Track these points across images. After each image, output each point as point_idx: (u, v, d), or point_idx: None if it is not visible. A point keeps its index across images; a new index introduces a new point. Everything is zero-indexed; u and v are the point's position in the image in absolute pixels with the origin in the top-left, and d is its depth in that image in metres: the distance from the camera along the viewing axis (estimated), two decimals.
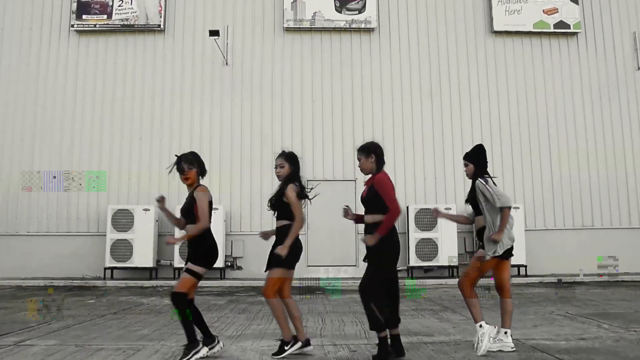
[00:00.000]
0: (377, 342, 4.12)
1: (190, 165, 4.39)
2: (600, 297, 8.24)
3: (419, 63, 12.78)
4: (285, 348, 4.29)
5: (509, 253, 4.38)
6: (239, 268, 12.02)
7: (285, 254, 4.17)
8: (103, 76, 12.70)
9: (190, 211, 4.33)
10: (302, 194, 4.42)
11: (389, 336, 4.11)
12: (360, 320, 6.07)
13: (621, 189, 12.32)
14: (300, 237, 4.36)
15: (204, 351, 4.18)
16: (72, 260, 11.89)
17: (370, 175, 4.40)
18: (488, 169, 4.64)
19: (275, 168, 4.53)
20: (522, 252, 11.19)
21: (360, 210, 4.51)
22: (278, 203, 4.44)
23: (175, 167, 4.48)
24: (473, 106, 12.61)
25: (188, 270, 4.22)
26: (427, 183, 12.25)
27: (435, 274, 11.67)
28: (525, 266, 11.34)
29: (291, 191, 4.35)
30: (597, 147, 12.49)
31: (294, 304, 4.45)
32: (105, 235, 11.58)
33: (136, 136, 12.51)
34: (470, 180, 4.62)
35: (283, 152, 4.59)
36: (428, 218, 11.40)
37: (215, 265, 12.35)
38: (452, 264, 11.36)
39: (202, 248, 4.28)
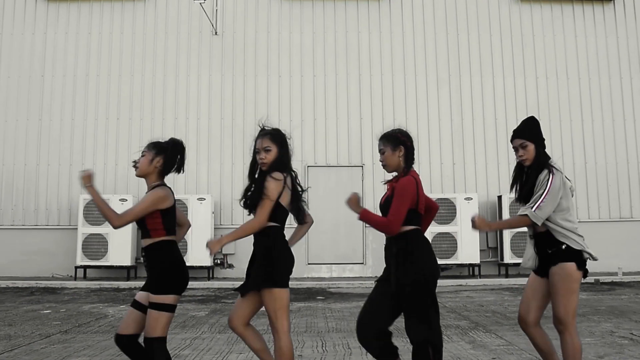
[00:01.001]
0: None
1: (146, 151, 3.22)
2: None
3: (434, 34, 11.83)
4: None
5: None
6: (230, 266, 10.90)
7: (217, 249, 2.95)
8: (75, 48, 11.69)
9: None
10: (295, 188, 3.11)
11: None
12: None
13: None
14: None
15: None
16: (40, 258, 11.04)
17: (394, 174, 3.14)
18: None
19: (258, 153, 3.08)
20: None
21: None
22: (257, 200, 3.04)
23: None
24: (496, 82, 11.70)
25: (155, 305, 2.95)
26: (444, 169, 11.35)
27: (453, 273, 10.56)
28: None
29: (272, 182, 2.97)
30: (637, 127, 11.46)
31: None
32: (76, 229, 10.54)
33: (113, 115, 11.48)
34: (527, 166, 3.24)
35: (266, 130, 3.16)
36: (446, 209, 10.26)
37: (202, 265, 11.06)
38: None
39: (161, 270, 3.03)
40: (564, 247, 2.99)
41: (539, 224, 3.00)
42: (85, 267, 10.38)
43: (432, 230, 10.22)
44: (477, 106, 11.53)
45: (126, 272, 10.43)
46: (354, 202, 3.10)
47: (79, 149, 11.32)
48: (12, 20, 11.63)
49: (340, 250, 11.12)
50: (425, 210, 3.10)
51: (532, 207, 2.97)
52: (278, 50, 11.72)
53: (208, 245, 2.88)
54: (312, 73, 11.67)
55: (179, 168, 3.20)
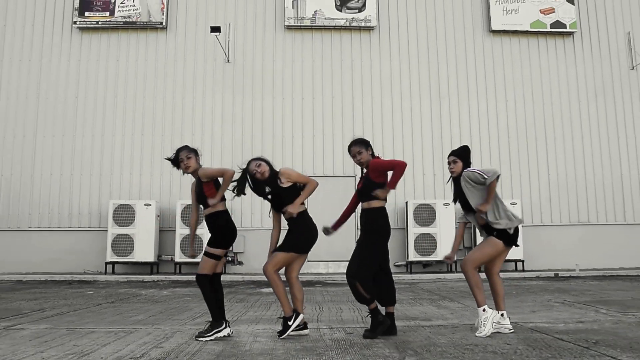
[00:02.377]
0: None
1: (188, 154, 4.47)
2: (597, 288, 8.35)
3: (418, 61, 12.89)
4: (289, 323, 4.33)
5: (515, 241, 4.48)
6: (240, 263, 12.05)
7: (295, 212, 4.33)
8: (105, 73, 12.72)
9: (203, 194, 4.42)
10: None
11: (379, 308, 4.35)
12: (357, 308, 6.12)
13: (616, 186, 12.46)
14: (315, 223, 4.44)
15: (226, 332, 4.32)
16: (73, 256, 11.91)
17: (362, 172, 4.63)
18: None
19: (259, 167, 4.50)
20: (520, 248, 11.29)
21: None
22: (276, 196, 4.50)
23: (174, 163, 4.55)
24: (471, 104, 12.72)
25: (206, 253, 4.37)
26: (425, 179, 12.34)
27: (434, 269, 11.79)
28: (523, 261, 11.46)
29: (287, 170, 4.51)
30: (593, 145, 12.62)
31: (299, 286, 4.50)
32: (106, 230, 11.60)
33: (138, 132, 12.52)
34: (453, 179, 4.62)
35: (259, 157, 4.67)
36: (427, 213, 11.51)
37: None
38: None
39: (215, 230, 4.41)
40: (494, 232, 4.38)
41: (499, 173, 4.41)
42: (114, 263, 11.47)
43: (415, 231, 11.50)
44: (455, 124, 12.51)
45: (149, 268, 11.58)
46: (381, 193, 4.38)
47: (108, 161, 12.33)
48: (50, 49, 12.73)
49: (335, 249, 11.67)
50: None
51: (487, 180, 4.30)
52: (282, 76, 12.69)
53: (288, 210, 4.29)
54: (311, 95, 12.63)
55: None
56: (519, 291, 7.84)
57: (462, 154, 4.66)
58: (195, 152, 4.52)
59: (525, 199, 12.27)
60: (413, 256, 11.46)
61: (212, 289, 4.40)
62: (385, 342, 4.11)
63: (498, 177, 4.38)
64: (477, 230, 4.70)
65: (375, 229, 4.42)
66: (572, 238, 12.09)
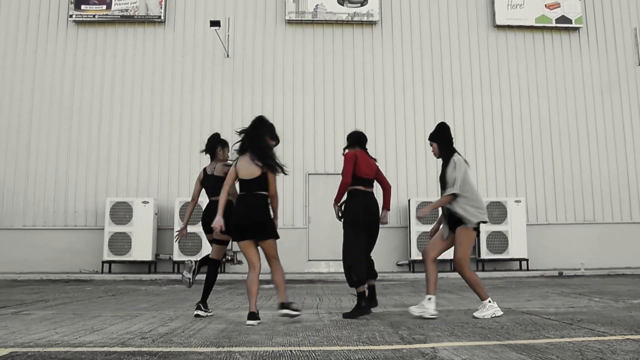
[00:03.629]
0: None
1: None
2: (597, 283, 8.82)
3: (421, 57, 13.29)
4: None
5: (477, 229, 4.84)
6: (239, 262, 12.36)
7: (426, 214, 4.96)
8: (102, 68, 13.10)
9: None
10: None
11: (366, 291, 4.95)
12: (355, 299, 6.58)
13: (622, 184, 12.88)
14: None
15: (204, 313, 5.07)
16: (68, 255, 12.23)
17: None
18: (461, 153, 5.00)
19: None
20: (524, 247, 11.77)
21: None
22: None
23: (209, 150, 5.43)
24: (475, 100, 13.12)
25: (216, 241, 5.17)
26: (428, 176, 12.66)
27: (438, 268, 12.16)
28: (527, 260, 11.88)
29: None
30: (599, 142, 13.04)
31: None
32: (103, 229, 11.92)
33: (135, 128, 12.91)
34: (440, 158, 5.00)
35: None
36: (433, 212, 11.86)
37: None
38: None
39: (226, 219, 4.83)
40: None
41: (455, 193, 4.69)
42: (110, 262, 11.80)
43: (417, 230, 11.87)
44: (459, 120, 12.84)
45: (147, 267, 11.96)
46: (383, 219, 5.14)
47: (104, 157, 12.67)
48: (46, 42, 13.12)
49: (336, 248, 12.20)
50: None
51: (449, 190, 4.71)
52: (282, 70, 13.06)
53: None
54: (312, 90, 12.98)
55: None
56: (519, 285, 8.30)
57: (436, 136, 5.04)
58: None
59: (530, 196, 12.70)
60: (416, 255, 11.83)
61: (214, 274, 4.99)
62: (380, 321, 4.57)
63: (452, 195, 4.70)
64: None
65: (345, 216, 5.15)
66: (577, 237, 12.51)
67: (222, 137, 5.59)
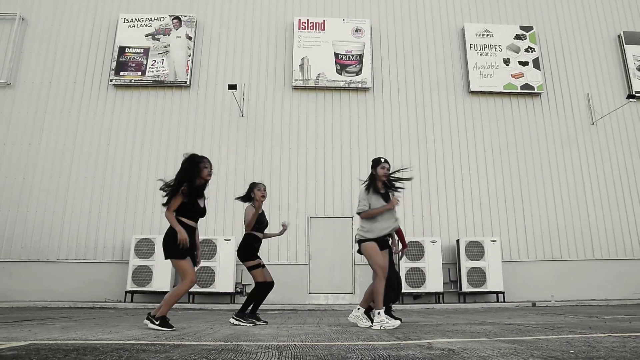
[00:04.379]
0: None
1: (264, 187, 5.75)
2: (568, 310, 8.43)
3: (407, 117, 13.49)
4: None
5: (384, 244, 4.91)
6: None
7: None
8: (135, 124, 13.30)
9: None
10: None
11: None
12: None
13: (584, 225, 12.76)
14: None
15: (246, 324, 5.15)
16: (95, 285, 12.00)
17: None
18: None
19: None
20: (500, 280, 11.44)
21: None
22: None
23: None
24: (454, 154, 13.22)
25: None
26: (415, 219, 12.60)
27: (423, 300, 11.78)
28: (503, 292, 11.53)
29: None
30: (562, 189, 13.04)
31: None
32: (127, 262, 11.75)
33: (161, 175, 12.74)
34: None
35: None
36: (416, 250, 11.65)
37: (225, 291, 12.25)
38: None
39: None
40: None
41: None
42: (133, 292, 11.50)
43: (405, 266, 11.65)
44: (440, 171, 12.94)
45: None
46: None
47: (132, 201, 12.61)
48: (89, 102, 13.36)
49: (334, 282, 12.05)
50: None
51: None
52: (289, 128, 13.24)
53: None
54: (314, 145, 13.11)
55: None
56: (499, 311, 7.95)
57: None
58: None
59: (504, 237, 12.49)
60: (405, 288, 11.48)
61: (260, 293, 5.30)
62: (377, 330, 4.28)
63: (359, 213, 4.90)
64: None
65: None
66: (547, 272, 12.29)
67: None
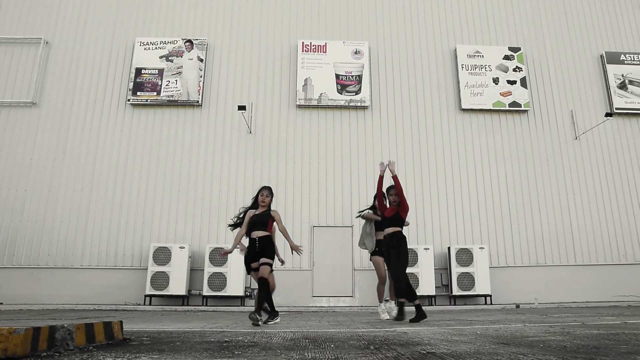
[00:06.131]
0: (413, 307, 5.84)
1: (268, 193, 6.09)
2: (550, 312, 9.40)
3: (403, 133, 14.30)
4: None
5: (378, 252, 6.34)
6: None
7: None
8: (151, 141, 14.18)
9: (265, 223, 5.88)
10: None
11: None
12: (351, 319, 7.30)
13: (567, 233, 13.60)
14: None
15: (278, 319, 5.83)
16: (116, 290, 12.84)
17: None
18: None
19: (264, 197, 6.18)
20: (488, 285, 12.40)
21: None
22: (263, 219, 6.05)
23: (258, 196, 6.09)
24: (446, 167, 14.02)
25: (266, 263, 5.77)
26: (409, 228, 13.32)
27: None
28: (490, 296, 12.48)
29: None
30: (547, 199, 13.88)
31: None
32: (146, 269, 12.63)
33: (175, 188, 13.84)
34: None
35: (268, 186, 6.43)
36: (411, 256, 12.58)
37: (235, 294, 13.24)
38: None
39: (269, 248, 5.92)
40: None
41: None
42: (151, 296, 12.42)
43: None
44: (433, 183, 13.74)
45: (181, 300, 12.59)
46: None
47: (149, 212, 13.52)
48: (107, 120, 14.32)
49: (336, 287, 12.87)
50: None
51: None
52: (294, 144, 14.02)
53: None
54: (317, 160, 13.85)
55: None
56: (485, 313, 8.95)
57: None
58: (272, 194, 6.12)
59: (492, 243, 13.44)
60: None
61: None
62: (366, 322, 5.35)
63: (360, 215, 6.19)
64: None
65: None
66: (531, 277, 13.10)
67: (245, 195, 6.67)
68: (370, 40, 15.10)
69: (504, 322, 5.01)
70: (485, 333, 3.53)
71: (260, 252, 5.70)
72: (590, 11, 15.61)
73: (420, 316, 5.66)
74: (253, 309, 12.22)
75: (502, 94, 14.50)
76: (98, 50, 15.02)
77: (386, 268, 6.20)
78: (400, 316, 5.77)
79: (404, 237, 5.93)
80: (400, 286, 5.65)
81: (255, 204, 6.13)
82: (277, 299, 12.01)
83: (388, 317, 5.98)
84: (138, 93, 14.40)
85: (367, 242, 6.59)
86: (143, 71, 14.60)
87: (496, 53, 14.86)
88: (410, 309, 5.85)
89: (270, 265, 5.74)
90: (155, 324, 5.54)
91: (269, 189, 6.12)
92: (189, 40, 14.91)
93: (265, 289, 5.54)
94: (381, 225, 6.14)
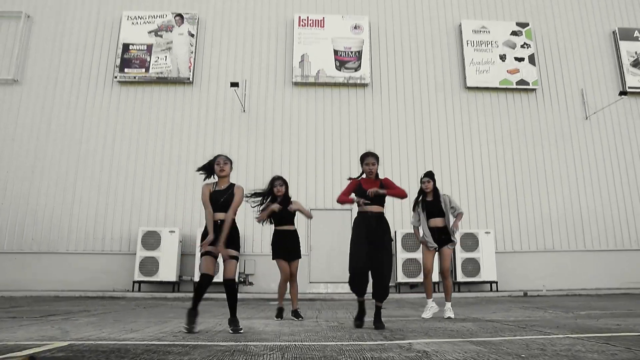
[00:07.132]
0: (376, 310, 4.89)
1: (225, 160, 4.78)
2: (555, 301, 8.88)
3: (405, 113, 13.71)
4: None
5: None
6: (251, 284, 12.49)
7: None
8: (139, 120, 13.51)
9: (228, 203, 4.65)
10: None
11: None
12: (350, 311, 6.71)
13: (576, 218, 13.07)
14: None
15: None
16: (104, 276, 12.30)
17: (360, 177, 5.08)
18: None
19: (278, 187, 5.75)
20: (494, 271, 11.85)
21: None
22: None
23: (207, 169, 4.84)
24: (450, 148, 13.46)
25: (234, 257, 4.53)
26: (410, 211, 12.84)
27: (419, 289, 12.21)
28: (497, 282, 11.95)
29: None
30: (555, 182, 13.30)
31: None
32: (134, 254, 12.06)
33: (165, 169, 13.20)
34: (426, 192, 6.00)
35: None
36: (412, 241, 12.05)
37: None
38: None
39: (234, 236, 4.65)
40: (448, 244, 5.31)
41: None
42: (140, 282, 11.85)
43: (402, 257, 12.08)
44: (437, 165, 13.12)
45: (172, 286, 11.99)
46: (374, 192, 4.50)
47: (138, 194, 12.91)
48: (94, 98, 13.59)
49: (333, 272, 12.42)
50: None
51: (459, 210, 5.67)
52: (290, 123, 13.45)
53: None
54: (314, 140, 13.33)
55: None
56: (489, 302, 8.38)
57: (433, 177, 6.11)
58: (231, 161, 4.75)
59: (498, 228, 12.88)
60: (401, 278, 11.94)
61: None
62: (369, 328, 4.72)
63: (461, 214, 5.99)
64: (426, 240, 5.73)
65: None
66: (539, 263, 12.59)
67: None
68: (370, 15, 14.34)
69: (537, 327, 4.31)
70: (532, 354, 2.80)
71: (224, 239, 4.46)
72: None
73: (380, 321, 4.66)
74: (247, 296, 11.95)
75: (509, 72, 13.82)
76: (83, 24, 14.23)
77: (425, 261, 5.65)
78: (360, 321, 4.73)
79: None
80: (384, 284, 4.67)
81: (271, 193, 5.81)
82: (272, 285, 11.46)
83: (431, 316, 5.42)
84: (126, 70, 13.66)
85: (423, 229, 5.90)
86: (131, 47, 13.83)
87: (503, 29, 14.11)
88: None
89: (237, 259, 4.57)
90: (118, 328, 4.87)
91: (281, 178, 5.89)
92: (179, 15, 14.10)
93: (235, 293, 4.45)
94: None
